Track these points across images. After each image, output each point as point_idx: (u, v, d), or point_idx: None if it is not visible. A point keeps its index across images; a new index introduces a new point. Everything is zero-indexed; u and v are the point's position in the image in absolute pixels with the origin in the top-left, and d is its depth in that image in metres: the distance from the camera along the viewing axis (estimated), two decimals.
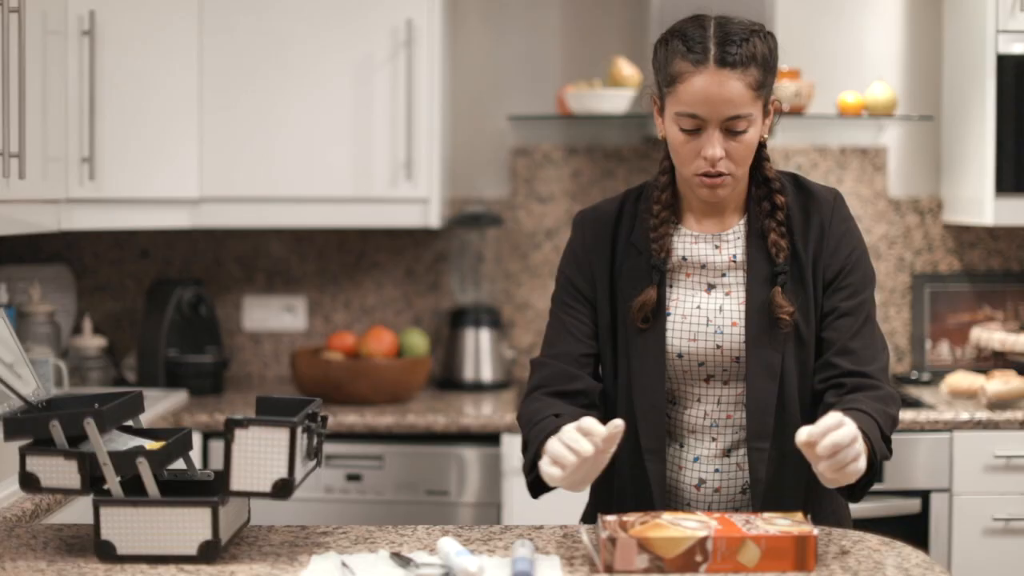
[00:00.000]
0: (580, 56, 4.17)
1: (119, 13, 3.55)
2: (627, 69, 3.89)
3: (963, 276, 4.17)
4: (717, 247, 2.28)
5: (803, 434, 1.92)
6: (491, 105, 4.19)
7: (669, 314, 2.26)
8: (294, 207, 3.80)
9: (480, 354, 4.02)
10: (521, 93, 4.18)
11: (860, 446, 1.95)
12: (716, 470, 2.27)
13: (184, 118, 3.72)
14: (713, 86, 2.13)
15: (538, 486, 2.16)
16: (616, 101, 3.86)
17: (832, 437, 1.91)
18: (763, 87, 2.18)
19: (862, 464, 1.95)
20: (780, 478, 2.24)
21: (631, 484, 2.28)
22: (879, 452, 2.08)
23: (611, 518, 1.96)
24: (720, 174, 2.18)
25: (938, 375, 4.04)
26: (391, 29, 3.75)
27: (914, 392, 3.84)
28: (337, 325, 4.21)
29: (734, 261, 2.27)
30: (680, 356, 2.26)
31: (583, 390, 2.26)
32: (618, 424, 1.96)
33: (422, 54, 3.75)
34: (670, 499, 2.29)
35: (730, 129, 2.16)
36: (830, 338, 2.24)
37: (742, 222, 2.29)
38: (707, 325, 2.25)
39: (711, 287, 2.27)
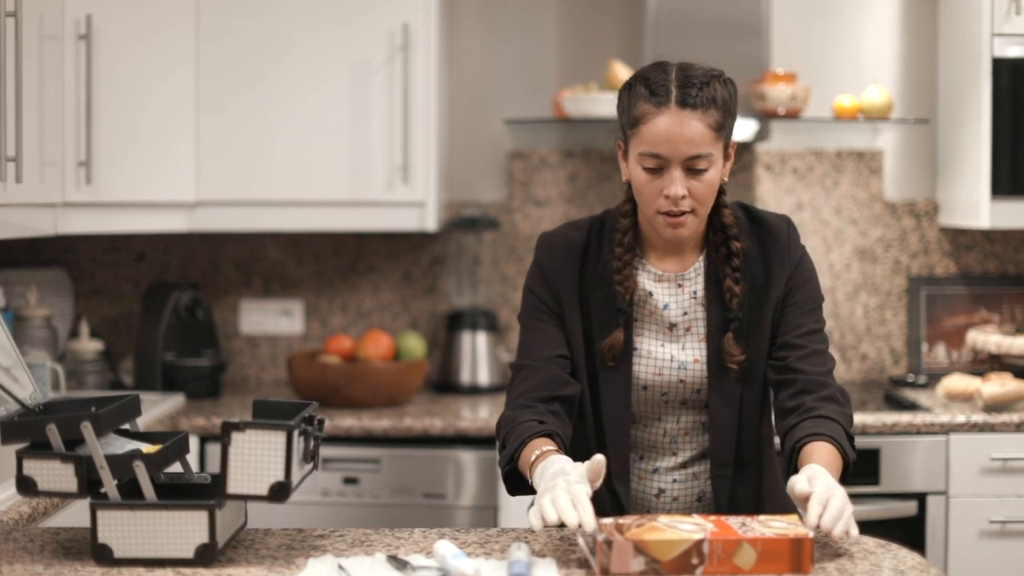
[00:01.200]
0: (576, 60, 4.18)
1: (116, 17, 3.55)
2: (623, 73, 3.89)
3: (959, 279, 4.17)
4: (680, 286, 2.37)
5: (812, 520, 1.97)
6: (487, 108, 4.20)
7: (636, 349, 2.37)
8: (291, 211, 3.80)
9: (477, 357, 4.03)
10: (517, 97, 4.18)
11: (848, 511, 2.00)
12: (674, 480, 2.40)
13: (181, 122, 3.72)
14: (674, 126, 2.23)
15: (515, 482, 2.25)
16: (612, 105, 3.84)
17: (829, 516, 1.97)
18: (723, 128, 2.27)
19: (852, 526, 2.00)
20: (736, 495, 2.39)
21: (600, 506, 2.34)
22: (849, 456, 2.22)
23: (607, 521, 1.96)
24: (682, 212, 2.26)
25: (934, 378, 4.05)
26: (388, 33, 3.76)
27: (910, 395, 3.84)
28: (334, 328, 4.21)
29: (694, 297, 2.37)
30: (645, 388, 2.38)
31: (573, 396, 2.35)
32: (599, 460, 2.02)
33: (419, 58, 3.76)
34: (633, 508, 2.41)
35: (691, 168, 2.25)
36: (784, 347, 2.35)
37: (701, 259, 2.39)
38: (671, 361, 2.36)
39: (673, 326, 2.37)
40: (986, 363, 4.07)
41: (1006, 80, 3.75)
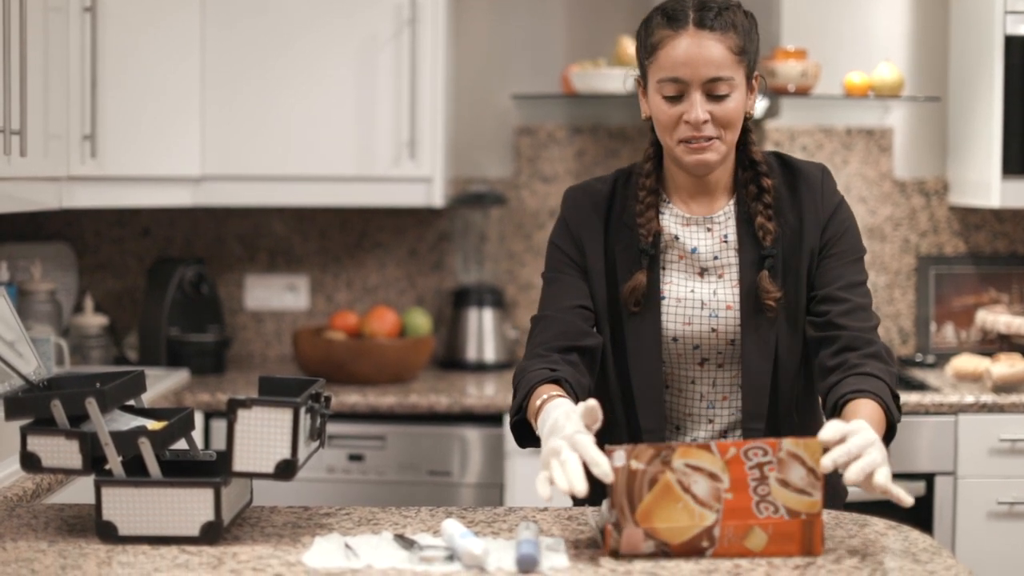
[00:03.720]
0: (585, 35, 4.15)
1: None
2: (632, 48, 3.86)
3: (968, 258, 4.15)
4: (709, 229, 2.29)
5: (828, 462, 1.87)
6: (495, 84, 4.17)
7: (664, 298, 2.28)
8: (297, 186, 3.78)
9: (483, 334, 4.01)
10: (525, 72, 4.16)
11: (878, 454, 1.89)
12: None
13: (186, 96, 3.70)
14: (693, 47, 2.17)
15: (522, 432, 2.17)
16: (620, 80, 3.83)
17: (841, 452, 1.87)
18: (744, 53, 2.20)
19: (885, 469, 1.89)
20: None
21: None
22: (894, 415, 2.11)
23: (620, 457, 1.85)
24: (707, 138, 2.19)
25: (943, 358, 4.03)
26: (395, 7, 3.73)
27: (919, 375, 3.83)
28: (339, 304, 4.20)
29: (725, 241, 2.28)
30: (675, 340, 2.27)
31: (593, 347, 2.26)
32: (591, 405, 1.93)
33: (426, 33, 3.73)
34: None
35: (712, 94, 2.18)
36: (824, 301, 2.24)
37: (731, 203, 2.30)
38: (702, 308, 2.27)
39: (704, 271, 2.28)
40: (995, 343, 4.05)
41: (1018, 58, 3.72)
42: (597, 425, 1.94)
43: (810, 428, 2.31)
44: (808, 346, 2.28)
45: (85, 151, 3.43)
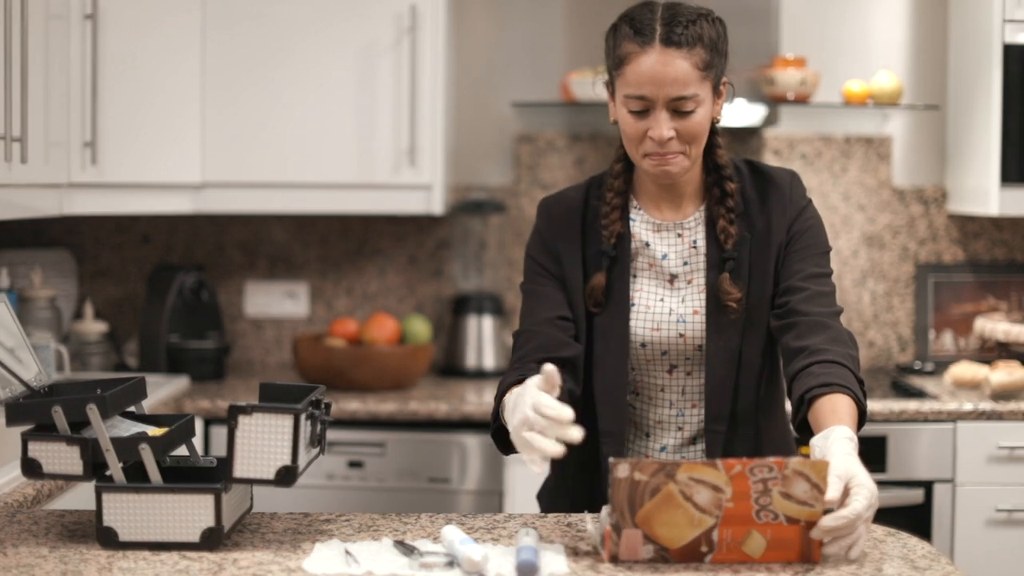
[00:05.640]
0: (584, 42, 4.16)
1: None
2: None
3: (967, 266, 4.15)
4: (679, 235, 2.31)
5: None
6: (495, 92, 4.18)
7: (633, 305, 2.29)
8: (297, 193, 3.79)
9: (482, 341, 4.02)
10: (525, 80, 4.16)
11: (863, 529, 1.89)
12: (682, 457, 2.32)
13: (187, 103, 3.71)
14: (658, 65, 2.17)
15: (503, 440, 2.19)
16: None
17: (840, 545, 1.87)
18: (710, 68, 2.20)
19: (860, 544, 1.89)
20: (730, 454, 2.29)
21: (583, 471, 2.32)
22: (863, 404, 2.11)
23: (623, 468, 1.84)
24: (672, 152, 2.19)
25: (942, 365, 4.03)
26: (395, 15, 3.74)
27: (918, 382, 3.83)
28: (339, 311, 4.20)
29: (695, 247, 2.31)
30: (644, 346, 2.30)
31: (573, 358, 2.27)
32: (548, 368, 1.92)
33: (426, 40, 3.74)
34: None
35: (677, 110, 2.19)
36: (788, 291, 2.26)
37: (701, 209, 2.32)
38: (670, 315, 2.29)
39: (674, 277, 2.31)
40: (994, 351, 4.06)
41: (1016, 67, 3.73)
42: (556, 392, 1.93)
43: (774, 430, 2.36)
44: (772, 337, 2.30)
45: (86, 158, 3.44)
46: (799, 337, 2.21)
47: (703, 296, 2.28)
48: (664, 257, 2.30)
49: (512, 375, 2.20)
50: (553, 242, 2.33)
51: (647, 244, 2.31)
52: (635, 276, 2.31)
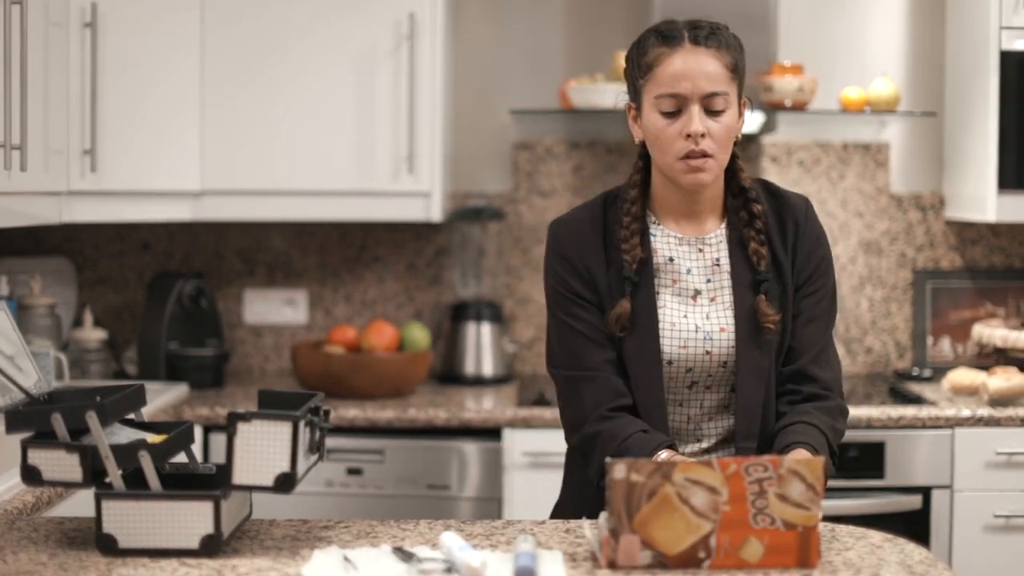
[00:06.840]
0: (583, 50, 4.17)
1: (121, 5, 3.54)
2: None
3: (965, 272, 4.16)
4: (700, 250, 2.32)
5: None
6: (493, 99, 4.19)
7: (659, 322, 2.30)
8: (295, 200, 3.79)
9: (481, 348, 4.02)
10: (523, 87, 4.17)
11: None
12: None
13: (186, 110, 3.71)
14: (691, 61, 2.22)
15: None
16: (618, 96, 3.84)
17: None
18: (736, 71, 2.26)
19: None
20: None
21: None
22: (827, 468, 2.18)
23: (621, 465, 1.87)
24: (704, 154, 2.22)
25: (939, 372, 4.04)
26: (394, 22, 3.74)
27: (915, 388, 3.84)
28: (338, 319, 4.20)
29: (717, 265, 2.32)
30: (670, 363, 2.30)
31: (630, 406, 2.29)
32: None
33: (424, 47, 3.74)
34: None
35: (709, 108, 2.22)
36: (797, 346, 2.33)
37: (722, 227, 2.34)
38: (696, 332, 2.29)
39: (697, 293, 2.31)
40: (991, 357, 4.06)
41: (1013, 73, 3.74)
42: None
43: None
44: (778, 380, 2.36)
45: (85, 166, 3.45)
46: (794, 404, 2.31)
47: (729, 314, 2.30)
48: (688, 272, 2.31)
49: (629, 427, 2.24)
50: (584, 263, 2.31)
51: (671, 259, 2.31)
52: (658, 293, 2.31)
